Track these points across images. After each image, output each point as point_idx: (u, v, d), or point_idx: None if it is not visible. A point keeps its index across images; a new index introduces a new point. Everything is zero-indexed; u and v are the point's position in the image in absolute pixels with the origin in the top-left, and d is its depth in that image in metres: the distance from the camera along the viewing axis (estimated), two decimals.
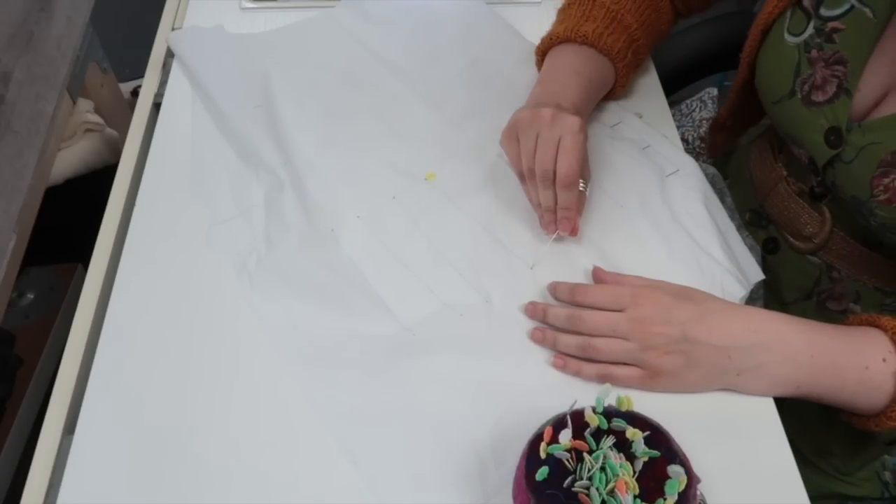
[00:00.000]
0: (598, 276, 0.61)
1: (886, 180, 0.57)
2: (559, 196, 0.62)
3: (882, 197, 0.57)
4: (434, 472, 0.52)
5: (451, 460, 0.53)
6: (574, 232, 0.64)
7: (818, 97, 0.61)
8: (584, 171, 0.64)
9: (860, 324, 0.56)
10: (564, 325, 0.58)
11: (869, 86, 0.59)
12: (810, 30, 0.62)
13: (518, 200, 0.69)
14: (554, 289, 0.61)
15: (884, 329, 0.54)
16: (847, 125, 0.59)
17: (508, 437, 0.52)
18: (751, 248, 0.71)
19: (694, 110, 0.99)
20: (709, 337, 0.54)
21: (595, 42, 0.71)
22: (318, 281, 0.63)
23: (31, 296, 1.02)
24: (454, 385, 0.57)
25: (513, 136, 0.65)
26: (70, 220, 0.95)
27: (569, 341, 0.57)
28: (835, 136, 0.60)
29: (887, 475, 0.70)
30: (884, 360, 0.53)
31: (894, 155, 0.56)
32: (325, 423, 0.55)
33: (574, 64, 0.71)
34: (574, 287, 0.59)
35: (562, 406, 0.48)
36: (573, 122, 0.62)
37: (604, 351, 0.56)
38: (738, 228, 0.73)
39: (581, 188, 0.64)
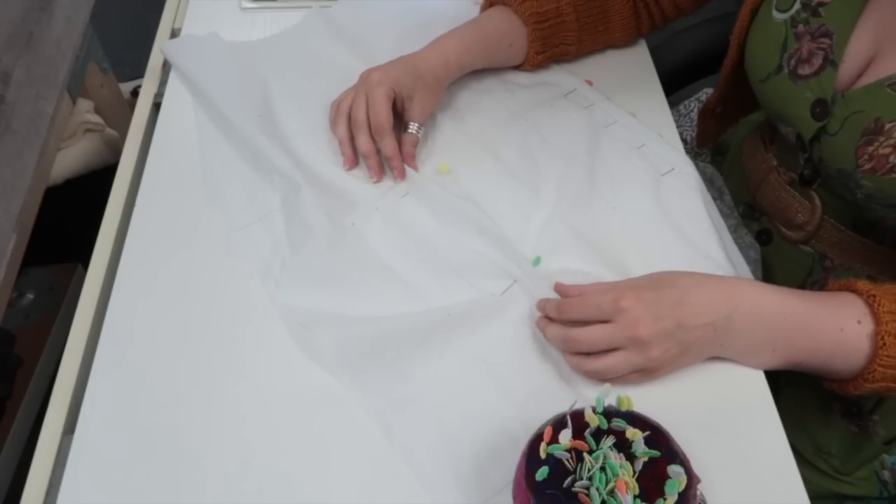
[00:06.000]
0: (561, 291, 0.60)
1: (870, 148, 0.57)
2: (380, 145, 0.69)
3: (867, 166, 0.58)
4: (469, 448, 0.54)
5: (485, 436, 0.54)
6: (400, 176, 0.70)
7: (804, 70, 0.62)
8: (414, 114, 0.72)
9: (838, 289, 0.57)
10: (562, 348, 0.57)
11: (853, 57, 0.60)
12: (797, 5, 0.63)
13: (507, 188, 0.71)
14: (542, 308, 0.59)
15: (859, 293, 0.55)
16: (832, 97, 0.60)
17: (538, 416, 0.52)
18: (749, 246, 0.71)
19: (692, 110, 0.99)
20: (695, 317, 0.54)
21: (511, 2, 0.77)
22: (346, 277, 0.63)
23: (31, 296, 1.02)
24: (488, 365, 0.58)
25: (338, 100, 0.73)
26: (70, 220, 0.95)
27: (569, 361, 0.57)
28: (820, 109, 0.61)
29: (885, 474, 0.70)
30: (858, 322, 0.53)
31: (877, 122, 0.57)
32: (362, 403, 0.56)
33: (480, 18, 0.78)
34: (558, 305, 0.58)
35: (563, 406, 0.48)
36: (374, 77, 0.70)
37: (610, 373, 0.55)
38: (737, 226, 0.74)
39: (412, 131, 0.72)
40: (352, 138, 0.71)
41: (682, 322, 0.54)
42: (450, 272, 0.64)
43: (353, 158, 0.71)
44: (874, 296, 0.54)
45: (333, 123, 0.72)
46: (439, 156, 0.74)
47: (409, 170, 0.71)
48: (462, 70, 0.77)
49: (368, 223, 0.67)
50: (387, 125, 0.68)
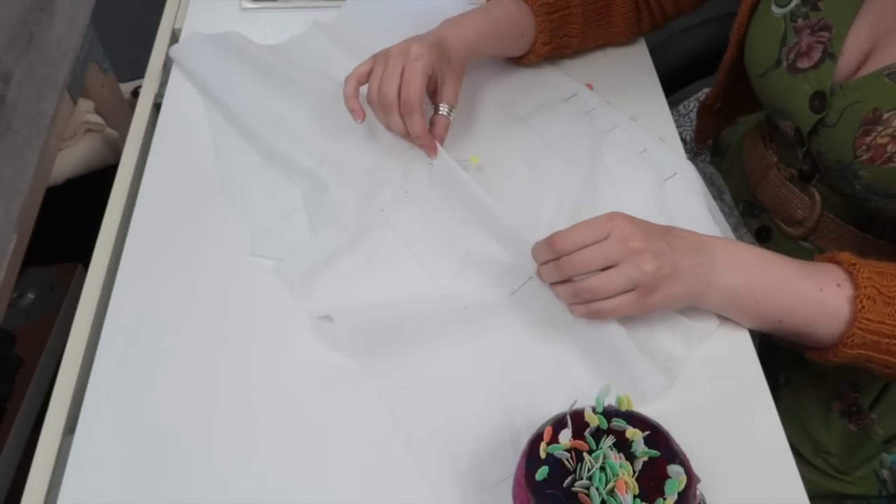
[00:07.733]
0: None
1: (868, 139, 0.58)
2: (407, 123, 0.66)
3: (865, 157, 0.58)
4: (470, 443, 0.54)
5: (487, 431, 0.54)
6: (433, 152, 0.68)
7: (803, 64, 0.63)
8: (447, 95, 0.69)
9: (821, 260, 0.58)
10: (558, 277, 0.56)
11: (852, 49, 0.60)
12: (796, 0, 0.64)
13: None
14: (534, 253, 0.58)
15: (839, 263, 0.56)
16: (830, 88, 0.61)
17: (540, 415, 0.52)
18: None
19: (692, 111, 0.99)
20: (682, 247, 0.55)
21: None
22: (369, 265, 0.64)
23: (31, 296, 1.02)
24: (497, 361, 0.58)
25: (367, 69, 0.68)
26: (70, 220, 0.95)
27: (564, 293, 0.56)
28: (819, 101, 0.62)
29: (885, 473, 0.70)
30: (838, 286, 0.54)
31: (875, 112, 0.57)
32: (370, 386, 0.57)
33: (491, 6, 0.75)
34: (549, 238, 0.55)
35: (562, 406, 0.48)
36: (415, 51, 0.65)
37: (603, 288, 0.54)
38: (737, 225, 0.74)
39: (444, 113, 0.69)
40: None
41: (672, 246, 0.55)
42: (470, 264, 0.64)
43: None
44: (854, 264, 0.54)
45: (353, 102, 0.68)
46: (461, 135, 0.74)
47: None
48: (474, 56, 0.75)
49: (397, 209, 0.68)
50: (418, 101, 0.65)
